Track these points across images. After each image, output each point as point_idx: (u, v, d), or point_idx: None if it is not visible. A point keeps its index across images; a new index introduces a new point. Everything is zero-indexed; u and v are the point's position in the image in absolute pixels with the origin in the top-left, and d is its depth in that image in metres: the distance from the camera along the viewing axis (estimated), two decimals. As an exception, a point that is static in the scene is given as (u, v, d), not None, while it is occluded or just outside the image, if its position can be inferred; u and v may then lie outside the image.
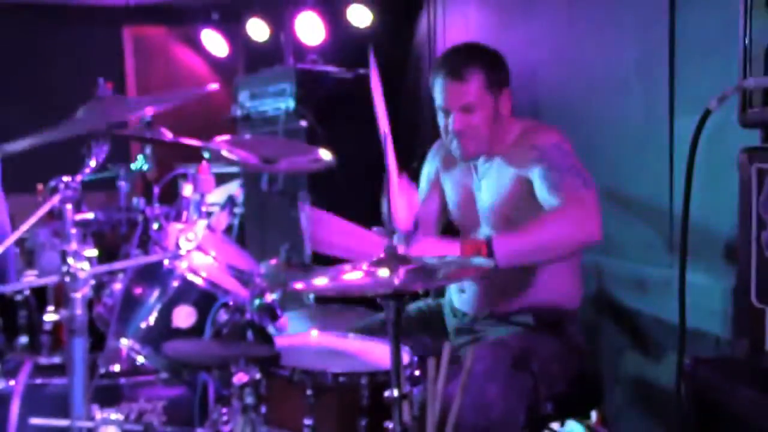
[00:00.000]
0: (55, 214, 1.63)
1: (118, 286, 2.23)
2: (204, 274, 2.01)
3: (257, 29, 4.81)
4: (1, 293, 2.27)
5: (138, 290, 2.06)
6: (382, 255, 1.54)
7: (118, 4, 5.78)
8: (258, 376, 1.76)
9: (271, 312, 1.95)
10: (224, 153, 1.80)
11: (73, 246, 1.57)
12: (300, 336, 2.14)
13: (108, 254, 2.45)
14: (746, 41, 1.65)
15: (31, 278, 2.95)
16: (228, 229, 2.27)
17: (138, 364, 2.01)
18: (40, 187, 3.80)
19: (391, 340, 1.51)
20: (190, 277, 2.01)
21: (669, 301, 2.33)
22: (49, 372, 2.13)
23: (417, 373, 1.85)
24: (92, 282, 1.60)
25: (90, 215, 2.37)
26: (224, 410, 1.88)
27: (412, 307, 2.50)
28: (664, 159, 2.46)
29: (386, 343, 1.56)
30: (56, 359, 2.20)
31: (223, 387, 1.97)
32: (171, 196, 2.43)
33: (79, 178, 1.63)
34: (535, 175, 2.09)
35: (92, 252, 1.62)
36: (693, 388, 1.62)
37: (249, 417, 1.74)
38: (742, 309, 1.66)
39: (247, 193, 4.18)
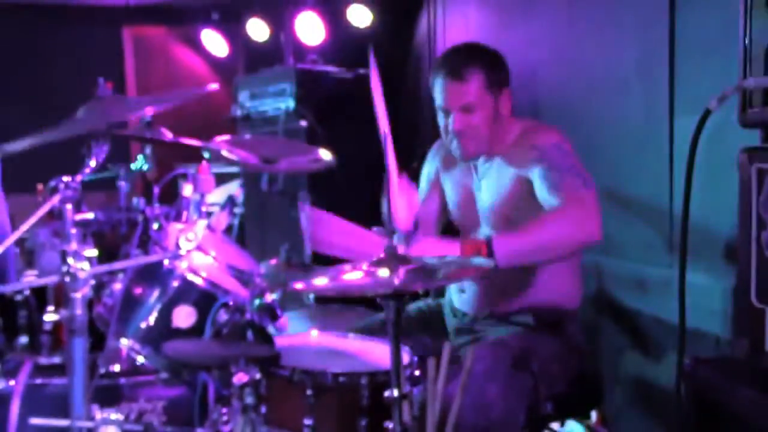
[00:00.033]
0: (55, 214, 1.64)
1: (118, 286, 2.23)
2: (204, 274, 2.01)
3: (257, 29, 4.81)
4: (1, 293, 2.27)
5: (138, 290, 2.06)
6: (382, 255, 1.54)
7: (118, 4, 5.78)
8: (258, 376, 1.76)
9: (271, 312, 1.95)
10: (224, 153, 1.80)
11: (73, 246, 1.57)
12: (300, 336, 2.14)
13: (108, 254, 2.45)
14: (746, 41, 1.66)
15: (31, 278, 2.95)
16: (228, 229, 2.27)
17: (138, 364, 2.01)
18: (40, 187, 3.80)
19: (391, 340, 1.51)
20: (190, 277, 2.01)
21: (669, 301, 2.33)
22: (49, 372, 2.13)
23: (417, 373, 1.85)
24: (92, 282, 1.60)
25: (90, 215, 2.37)
26: (224, 410, 1.88)
27: (412, 307, 2.50)
28: (664, 159, 2.46)
29: (386, 343, 1.56)
30: (56, 359, 2.20)
31: (223, 387, 1.97)
32: (171, 196, 2.43)
33: (79, 178, 1.63)
34: (535, 175, 2.09)
35: (92, 252, 1.62)
36: (693, 388, 1.62)
37: (249, 417, 1.74)
38: (742, 309, 1.66)
39: (247, 193, 4.18)
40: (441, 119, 2.24)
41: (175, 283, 2.01)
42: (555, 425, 2.37)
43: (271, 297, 1.95)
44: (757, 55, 1.63)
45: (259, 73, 4.39)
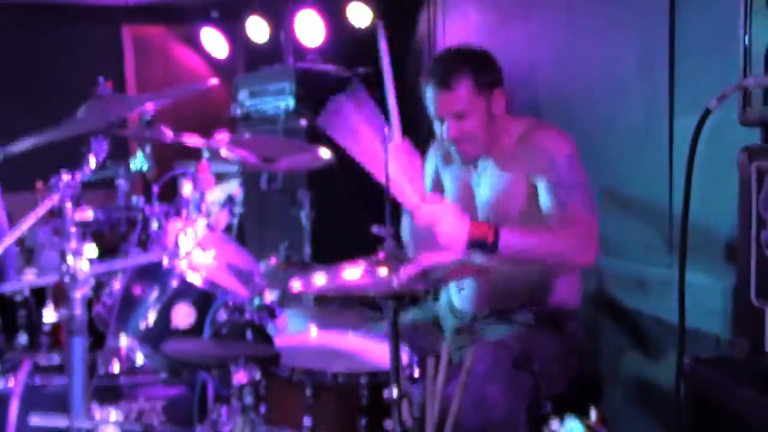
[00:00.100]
0: (54, 213, 1.63)
1: (117, 286, 2.23)
2: (203, 273, 2.01)
3: (257, 28, 4.80)
4: (1, 293, 2.27)
5: (137, 289, 2.06)
6: None
7: (118, 3, 5.77)
8: (257, 375, 1.76)
9: (270, 311, 1.95)
10: (224, 152, 1.80)
11: (73, 244, 1.57)
12: (299, 335, 2.14)
13: (107, 253, 2.45)
14: (746, 41, 1.66)
15: (30, 276, 2.95)
16: (227, 228, 2.26)
17: (137, 363, 2.00)
18: (39, 185, 3.79)
19: (391, 340, 1.51)
20: (190, 276, 2.00)
21: (669, 300, 2.33)
22: (48, 372, 2.13)
23: (417, 373, 1.84)
24: (91, 281, 1.60)
25: (89, 214, 2.37)
26: (224, 410, 1.88)
27: (406, 319, 2.48)
28: (664, 159, 2.46)
29: (386, 342, 1.56)
30: (55, 359, 2.20)
31: (222, 387, 1.96)
32: (170, 195, 2.43)
33: (78, 176, 1.62)
34: (543, 184, 2.12)
35: (92, 251, 1.62)
36: (693, 388, 1.62)
37: (248, 417, 1.74)
38: (742, 309, 1.66)
39: (247, 192, 4.16)
40: (437, 126, 2.25)
41: (175, 283, 2.00)
42: (555, 425, 2.37)
43: (270, 296, 1.95)
44: (757, 54, 1.63)
45: (258, 72, 4.39)
